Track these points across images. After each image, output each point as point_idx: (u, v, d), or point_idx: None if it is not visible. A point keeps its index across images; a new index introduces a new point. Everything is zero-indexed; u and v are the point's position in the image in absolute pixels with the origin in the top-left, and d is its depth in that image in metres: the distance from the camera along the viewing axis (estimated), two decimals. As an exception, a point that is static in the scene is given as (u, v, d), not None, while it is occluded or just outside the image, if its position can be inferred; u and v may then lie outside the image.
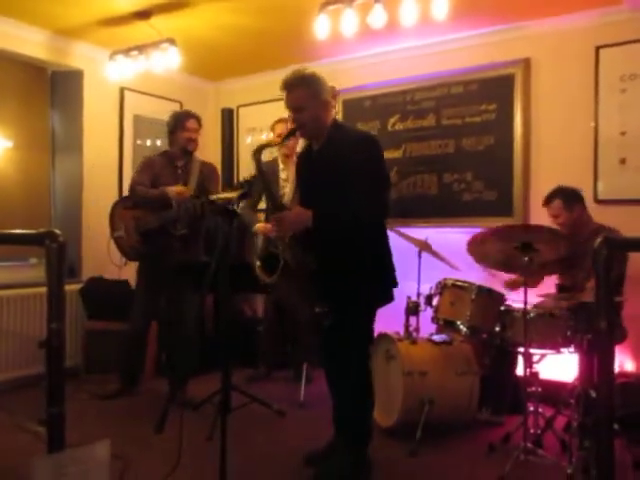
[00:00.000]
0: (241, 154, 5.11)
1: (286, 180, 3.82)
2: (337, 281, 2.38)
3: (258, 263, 2.48)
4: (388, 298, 2.50)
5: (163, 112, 4.91)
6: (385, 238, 2.52)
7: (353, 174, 2.30)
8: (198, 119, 3.51)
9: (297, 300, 2.44)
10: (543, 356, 2.75)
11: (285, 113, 2.72)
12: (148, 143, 4.83)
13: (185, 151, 3.47)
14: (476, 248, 2.88)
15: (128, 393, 3.58)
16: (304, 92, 2.41)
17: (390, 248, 2.53)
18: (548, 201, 3.13)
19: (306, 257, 2.40)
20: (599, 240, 1.32)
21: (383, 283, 2.47)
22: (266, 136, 4.10)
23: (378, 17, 3.09)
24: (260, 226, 3.68)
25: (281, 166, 3.88)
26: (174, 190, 3.31)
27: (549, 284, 3.19)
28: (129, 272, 4.38)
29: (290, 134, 2.58)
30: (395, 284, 2.52)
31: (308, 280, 2.40)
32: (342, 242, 2.38)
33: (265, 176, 2.49)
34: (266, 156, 4.24)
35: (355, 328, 2.43)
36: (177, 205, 3.30)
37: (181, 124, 3.43)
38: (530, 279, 2.83)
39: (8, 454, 2.67)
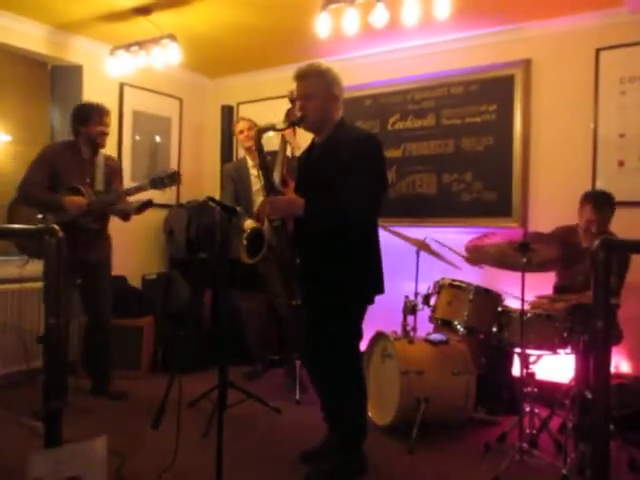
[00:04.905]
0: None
1: (257, 177, 3.78)
2: (320, 276, 2.38)
3: (244, 242, 2.48)
4: (370, 299, 2.47)
5: (163, 108, 4.94)
6: (375, 239, 2.49)
7: (350, 170, 2.30)
8: (110, 115, 3.44)
9: (280, 290, 2.44)
10: (539, 357, 2.75)
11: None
12: (147, 139, 4.83)
13: (94, 145, 3.35)
14: (475, 250, 2.91)
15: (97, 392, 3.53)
16: (315, 81, 2.41)
17: (379, 252, 2.49)
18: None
19: (291, 249, 2.41)
20: (597, 242, 1.33)
21: (367, 283, 2.44)
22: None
23: (380, 16, 3.09)
24: (250, 224, 3.66)
25: (250, 163, 3.88)
26: (70, 201, 3.16)
27: (546, 285, 3.20)
28: (127, 269, 4.38)
29: (296, 122, 2.48)
30: (380, 289, 2.46)
31: (290, 271, 2.40)
32: (329, 237, 2.37)
33: (264, 158, 2.48)
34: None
35: (336, 325, 2.40)
36: (74, 215, 3.17)
37: (98, 116, 3.31)
38: None
39: (5, 449, 2.67)
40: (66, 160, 3.30)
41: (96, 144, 3.37)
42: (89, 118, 3.31)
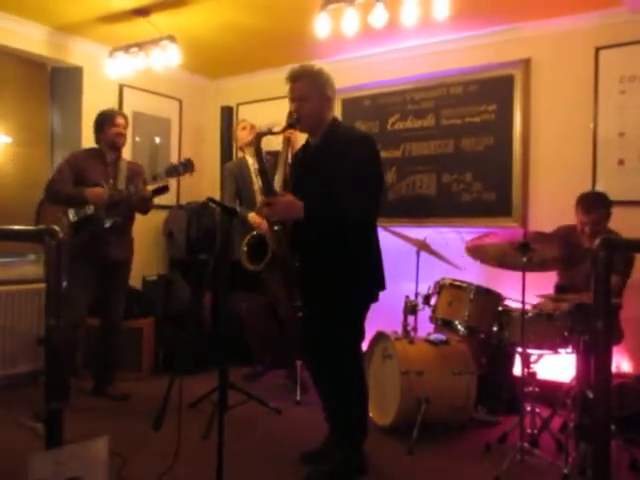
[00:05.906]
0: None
1: (257, 175, 3.80)
2: (320, 278, 2.39)
3: (244, 249, 2.48)
4: (372, 298, 2.47)
5: (163, 109, 4.94)
6: (374, 238, 2.49)
7: (347, 172, 2.30)
8: (125, 117, 3.58)
9: (282, 294, 2.45)
10: (540, 356, 2.75)
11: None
12: (147, 140, 4.82)
13: (114, 147, 3.49)
14: (475, 249, 2.90)
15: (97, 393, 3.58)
16: (309, 83, 2.42)
17: (379, 249, 2.49)
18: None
19: (291, 252, 2.43)
20: (598, 241, 1.33)
21: (367, 283, 2.44)
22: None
23: (379, 17, 3.09)
24: (253, 216, 3.66)
25: (250, 161, 3.88)
26: (91, 192, 3.27)
27: (547, 285, 3.20)
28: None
29: (293, 123, 2.49)
30: (381, 286, 2.48)
31: (292, 273, 2.42)
32: (328, 239, 2.37)
33: (262, 162, 2.49)
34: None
35: (336, 326, 2.41)
36: (95, 207, 3.28)
37: (110, 120, 3.46)
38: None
39: (6, 450, 2.67)
40: (90, 164, 3.44)
41: (115, 146, 3.49)
42: (103, 123, 3.48)
